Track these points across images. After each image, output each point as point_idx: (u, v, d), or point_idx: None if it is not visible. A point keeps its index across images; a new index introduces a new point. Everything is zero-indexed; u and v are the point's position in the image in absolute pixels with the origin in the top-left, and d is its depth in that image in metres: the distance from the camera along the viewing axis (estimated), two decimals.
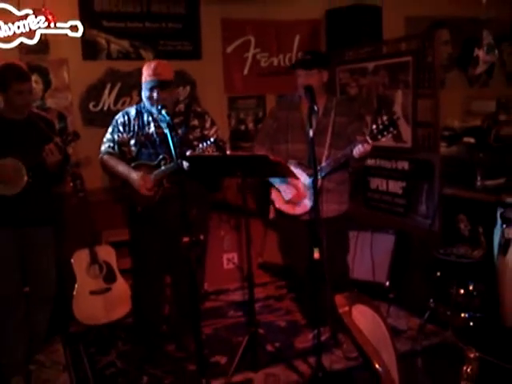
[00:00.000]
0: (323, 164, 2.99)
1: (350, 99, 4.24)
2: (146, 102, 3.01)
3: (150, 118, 3.02)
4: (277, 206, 3.21)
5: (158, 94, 2.91)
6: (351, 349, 3.02)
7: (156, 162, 2.95)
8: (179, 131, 2.96)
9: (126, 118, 3.06)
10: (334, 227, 3.07)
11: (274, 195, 3.24)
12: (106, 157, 3.07)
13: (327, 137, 3.04)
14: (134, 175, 2.94)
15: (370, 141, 2.76)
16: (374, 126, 2.79)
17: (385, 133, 2.75)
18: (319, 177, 2.92)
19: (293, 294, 4.00)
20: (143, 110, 3.05)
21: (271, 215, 3.31)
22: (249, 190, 3.73)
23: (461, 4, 4.77)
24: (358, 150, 2.80)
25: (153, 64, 3.00)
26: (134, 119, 3.05)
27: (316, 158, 2.78)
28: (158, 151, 2.97)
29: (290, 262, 3.57)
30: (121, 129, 3.05)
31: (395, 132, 2.85)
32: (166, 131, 2.79)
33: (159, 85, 2.91)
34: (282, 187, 3.16)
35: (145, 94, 2.97)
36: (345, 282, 3.21)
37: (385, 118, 2.85)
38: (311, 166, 2.78)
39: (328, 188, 3.06)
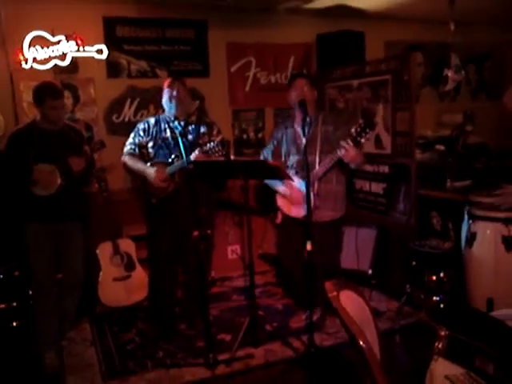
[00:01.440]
0: (317, 168, 2.97)
1: (336, 113, 4.20)
2: (166, 106, 3.06)
3: (166, 126, 3.09)
4: (283, 210, 3.21)
5: (176, 92, 2.98)
6: (332, 325, 3.08)
7: (170, 160, 3.00)
8: (190, 137, 3.04)
9: (146, 125, 3.13)
10: (328, 230, 3.05)
11: (279, 202, 3.24)
12: (127, 157, 3.13)
13: (317, 145, 3.02)
14: (151, 169, 2.99)
15: (350, 143, 2.72)
16: (353, 130, 2.73)
17: (363, 134, 2.70)
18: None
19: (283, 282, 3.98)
20: (160, 119, 3.13)
21: (278, 220, 3.30)
22: (252, 192, 3.76)
23: (432, 31, 4.77)
24: (342, 151, 2.78)
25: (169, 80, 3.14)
26: (153, 126, 3.12)
27: (309, 164, 2.77)
28: (171, 152, 3.02)
29: (283, 255, 3.54)
30: (141, 133, 3.12)
31: (372, 132, 2.75)
32: (178, 137, 2.89)
33: (174, 82, 3.02)
34: (285, 188, 3.16)
35: (165, 97, 3.04)
36: (335, 274, 3.16)
37: (361, 121, 2.78)
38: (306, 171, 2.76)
39: (324, 194, 3.03)
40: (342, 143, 2.76)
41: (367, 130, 2.71)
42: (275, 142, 3.28)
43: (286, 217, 3.23)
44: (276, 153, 3.26)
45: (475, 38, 5.40)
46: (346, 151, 2.76)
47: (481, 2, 4.37)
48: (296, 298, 3.46)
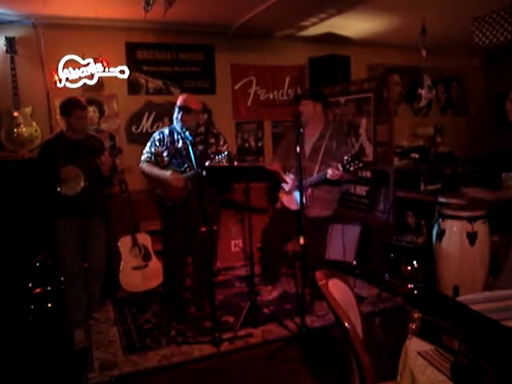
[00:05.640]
0: (315, 175, 2.96)
1: (341, 131, 3.93)
2: (174, 122, 3.02)
3: (179, 137, 3.03)
4: (282, 200, 3.19)
5: (181, 116, 2.94)
6: (321, 309, 3.07)
7: (183, 169, 2.95)
8: (200, 147, 2.98)
9: (162, 135, 3.07)
10: (314, 224, 3.02)
11: (280, 193, 3.22)
12: (145, 164, 3.07)
13: (319, 156, 3.00)
14: (167, 173, 2.94)
15: (340, 168, 2.71)
16: (345, 158, 2.71)
17: (352, 163, 2.68)
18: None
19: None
20: (174, 130, 3.06)
21: (278, 206, 3.30)
22: (262, 191, 3.71)
23: (407, 56, 4.80)
24: (330, 172, 2.78)
25: (185, 95, 3.06)
26: (168, 136, 3.05)
27: (305, 169, 2.79)
28: (184, 161, 2.96)
29: (267, 238, 3.38)
30: (157, 143, 3.05)
31: (361, 164, 2.69)
32: (189, 147, 2.82)
33: (183, 109, 2.94)
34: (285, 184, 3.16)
35: (174, 115, 3.01)
36: (319, 264, 3.14)
37: (353, 151, 2.79)
38: (302, 176, 2.75)
39: (315, 198, 3.01)
40: (334, 165, 2.75)
41: (356, 162, 2.68)
42: (284, 145, 3.22)
43: (283, 206, 3.21)
44: (284, 153, 3.18)
45: (443, 63, 5.43)
46: (333, 174, 2.76)
47: (448, 32, 4.39)
48: (264, 270, 3.40)
